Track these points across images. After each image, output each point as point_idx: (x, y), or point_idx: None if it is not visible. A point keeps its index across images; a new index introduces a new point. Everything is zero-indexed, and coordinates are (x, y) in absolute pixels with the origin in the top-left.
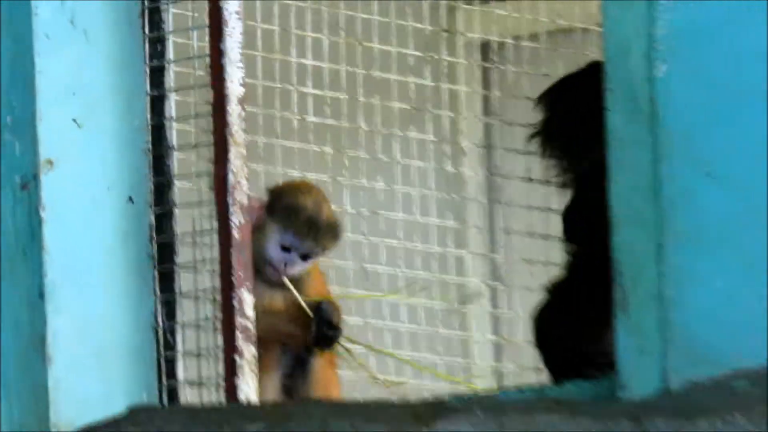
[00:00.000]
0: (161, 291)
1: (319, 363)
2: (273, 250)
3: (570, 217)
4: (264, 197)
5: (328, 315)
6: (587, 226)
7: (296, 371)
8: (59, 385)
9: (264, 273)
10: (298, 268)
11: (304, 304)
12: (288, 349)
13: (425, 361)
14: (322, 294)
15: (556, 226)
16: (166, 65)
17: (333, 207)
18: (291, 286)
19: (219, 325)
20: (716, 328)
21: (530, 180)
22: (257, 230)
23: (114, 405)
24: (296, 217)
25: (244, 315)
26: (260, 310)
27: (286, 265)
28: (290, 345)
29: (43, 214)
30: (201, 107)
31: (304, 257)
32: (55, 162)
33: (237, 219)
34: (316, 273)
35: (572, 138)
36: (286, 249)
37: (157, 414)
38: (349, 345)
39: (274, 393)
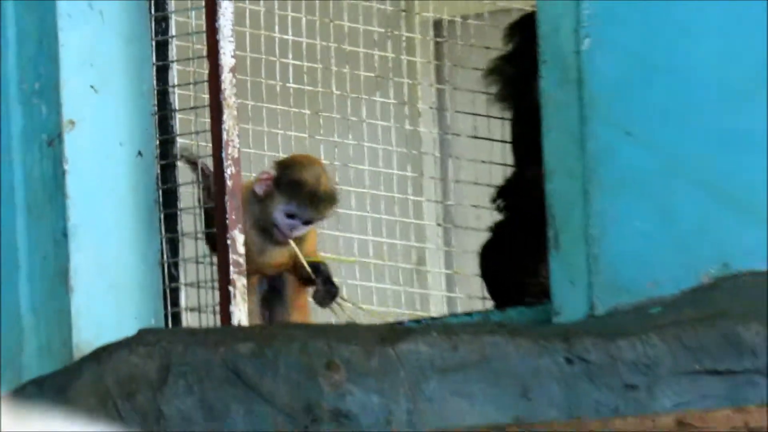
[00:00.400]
0: (166, 231)
1: (291, 289)
2: (280, 218)
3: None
4: (272, 170)
5: (328, 274)
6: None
7: (273, 297)
8: (80, 312)
9: (273, 234)
10: (302, 231)
11: (306, 265)
12: (264, 279)
13: (389, 291)
14: (312, 247)
15: (497, 176)
16: (169, 40)
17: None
18: (296, 248)
19: (215, 260)
20: (635, 262)
21: (476, 137)
22: (267, 198)
23: (126, 328)
24: (299, 191)
25: (236, 251)
26: (268, 264)
27: (291, 229)
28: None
29: (66, 167)
30: (199, 75)
31: (306, 222)
32: (76, 122)
33: (230, 170)
34: (312, 231)
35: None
36: (290, 216)
37: (163, 335)
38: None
39: (254, 313)
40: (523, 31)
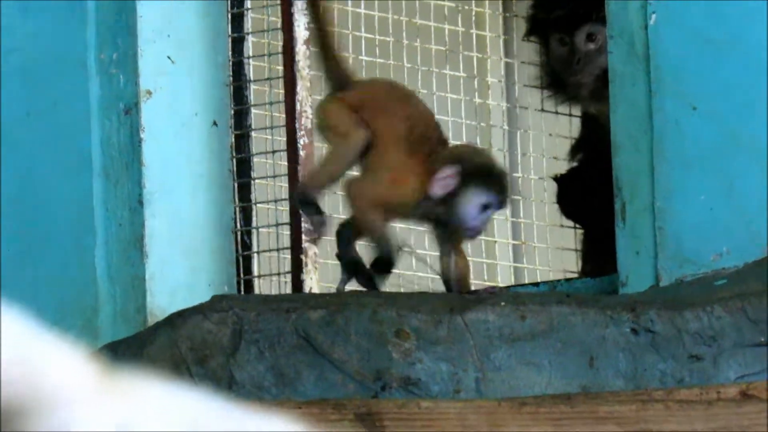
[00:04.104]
0: (239, 200)
1: None
2: (473, 213)
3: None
4: (449, 168)
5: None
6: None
7: None
8: (154, 278)
9: (461, 235)
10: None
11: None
12: None
13: None
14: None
15: (563, 148)
16: (245, 12)
17: None
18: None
19: (288, 228)
20: (700, 234)
21: (543, 110)
22: (452, 197)
23: (200, 295)
24: (491, 177)
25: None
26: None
27: (484, 222)
28: None
29: (143, 135)
30: (273, 48)
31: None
32: (153, 92)
33: (303, 140)
34: None
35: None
36: (485, 208)
37: (236, 302)
38: None
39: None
40: None
